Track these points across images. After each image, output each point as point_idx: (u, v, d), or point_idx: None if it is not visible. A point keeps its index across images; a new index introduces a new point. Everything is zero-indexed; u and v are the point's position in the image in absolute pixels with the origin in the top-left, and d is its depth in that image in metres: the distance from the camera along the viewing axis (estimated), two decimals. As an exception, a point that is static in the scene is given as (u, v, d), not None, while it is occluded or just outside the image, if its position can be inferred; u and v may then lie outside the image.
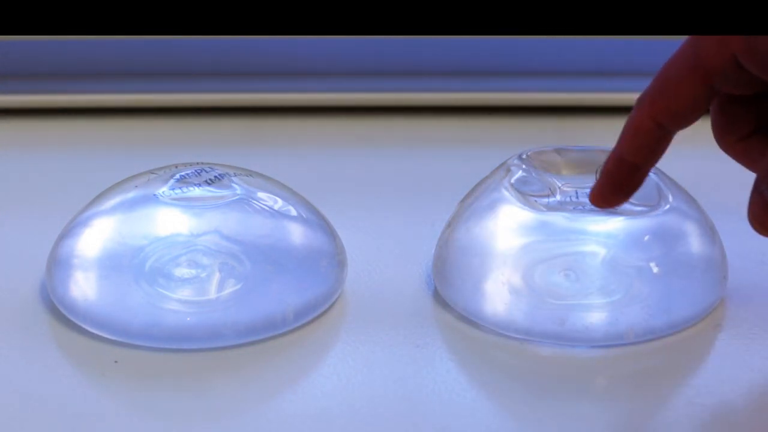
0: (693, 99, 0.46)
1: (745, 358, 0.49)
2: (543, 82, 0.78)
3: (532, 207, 0.51)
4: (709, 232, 0.53)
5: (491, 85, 0.77)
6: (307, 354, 0.50)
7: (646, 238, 0.51)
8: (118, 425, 0.45)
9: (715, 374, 0.49)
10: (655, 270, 0.50)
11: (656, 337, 0.50)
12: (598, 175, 0.49)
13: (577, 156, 0.55)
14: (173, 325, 0.49)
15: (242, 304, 0.50)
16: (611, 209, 0.51)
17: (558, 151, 0.55)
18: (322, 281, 0.52)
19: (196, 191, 0.52)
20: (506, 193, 0.52)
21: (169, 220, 0.51)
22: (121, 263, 0.50)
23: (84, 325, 0.50)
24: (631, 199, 0.52)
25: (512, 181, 0.53)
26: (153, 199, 0.52)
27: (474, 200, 0.53)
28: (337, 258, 0.53)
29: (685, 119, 0.47)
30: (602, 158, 0.54)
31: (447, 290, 0.52)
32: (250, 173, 0.54)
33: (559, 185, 0.54)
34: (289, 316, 0.50)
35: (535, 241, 0.51)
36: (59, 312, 0.51)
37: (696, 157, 0.71)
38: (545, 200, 0.52)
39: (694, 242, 0.52)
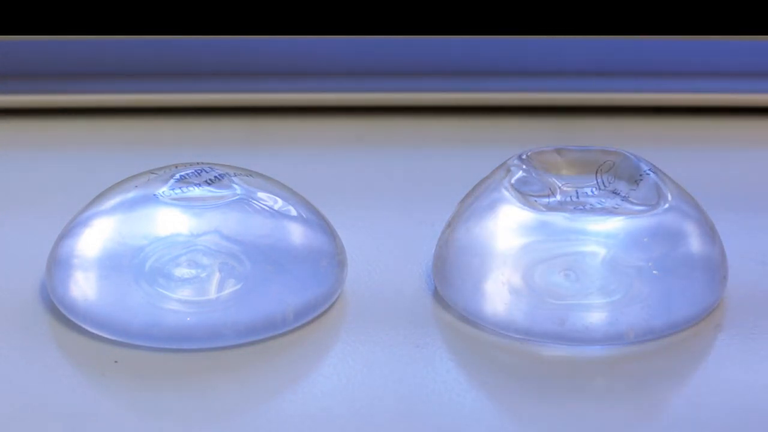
0: None
1: (745, 358, 0.49)
2: (543, 82, 0.78)
3: (532, 207, 0.51)
4: (709, 232, 0.53)
5: (491, 85, 0.77)
6: (307, 354, 0.50)
7: (646, 238, 0.51)
8: (118, 425, 0.45)
9: (715, 374, 0.49)
10: (655, 270, 0.50)
11: (656, 337, 0.50)
12: None
13: (577, 156, 0.55)
14: (173, 325, 0.49)
15: (242, 304, 0.50)
16: (609, 210, 0.51)
17: (558, 151, 0.55)
18: (322, 281, 0.52)
19: (196, 191, 0.52)
20: (506, 193, 0.52)
21: (169, 220, 0.51)
22: (121, 263, 0.50)
23: (84, 325, 0.50)
24: (631, 199, 0.53)
25: (512, 181, 0.53)
26: (153, 199, 0.52)
27: (474, 200, 0.53)
28: (337, 258, 0.53)
29: None
30: (602, 158, 0.55)
31: (447, 290, 0.52)
32: (250, 173, 0.54)
33: (559, 185, 0.54)
34: (289, 316, 0.50)
35: (535, 241, 0.51)
36: (59, 312, 0.51)
37: (696, 157, 0.71)
38: (545, 200, 0.52)
39: (694, 242, 0.52)
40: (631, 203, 0.52)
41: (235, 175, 0.54)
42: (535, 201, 0.52)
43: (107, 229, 0.52)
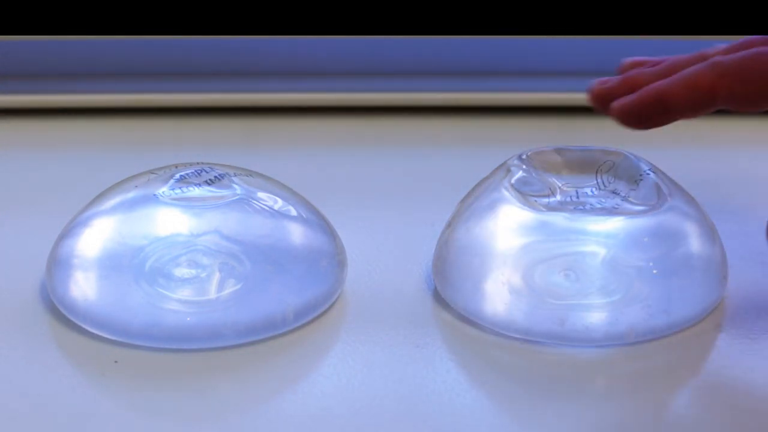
0: (762, 101, 0.46)
1: (745, 358, 0.49)
2: (543, 82, 0.78)
3: (532, 207, 0.51)
4: (709, 232, 0.53)
5: (491, 85, 0.77)
6: (307, 354, 0.50)
7: (646, 238, 0.51)
8: (118, 425, 0.45)
9: (715, 374, 0.49)
10: (655, 270, 0.50)
11: (656, 337, 0.50)
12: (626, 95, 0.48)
13: (577, 156, 0.55)
14: (173, 325, 0.49)
15: (242, 304, 0.50)
16: (609, 210, 0.51)
17: (558, 151, 0.55)
18: (322, 281, 0.52)
19: (196, 191, 0.52)
20: (506, 193, 0.52)
21: (169, 220, 0.51)
22: (121, 263, 0.50)
23: (84, 325, 0.50)
24: (631, 199, 0.53)
25: (512, 181, 0.53)
26: (153, 199, 0.52)
27: (474, 200, 0.53)
28: (337, 258, 0.53)
29: (751, 108, 0.47)
30: (602, 158, 0.54)
31: (447, 290, 0.52)
32: (250, 173, 0.54)
33: (559, 185, 0.54)
34: (289, 316, 0.50)
35: (535, 241, 0.51)
36: (59, 312, 0.51)
37: (696, 157, 0.71)
38: (545, 200, 0.52)
39: (694, 242, 0.52)
40: (631, 203, 0.52)
41: (235, 175, 0.54)
42: (535, 201, 0.52)
43: (107, 229, 0.52)
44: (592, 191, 0.53)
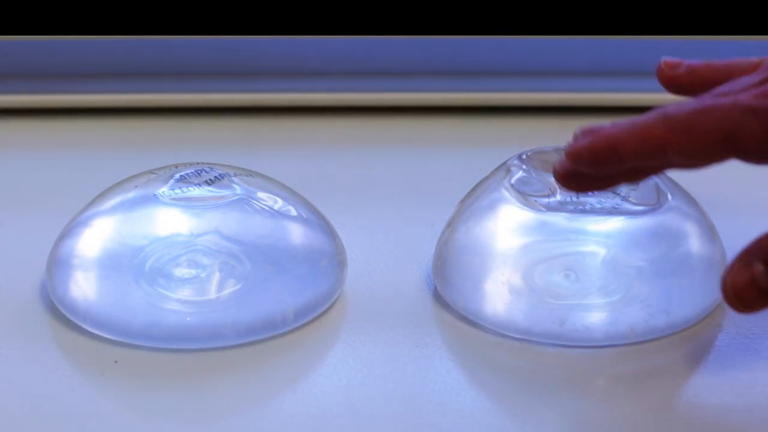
0: (712, 158, 0.44)
1: (745, 358, 0.49)
2: (543, 82, 0.78)
3: (532, 207, 0.51)
4: (709, 232, 0.53)
5: (491, 85, 0.77)
6: (307, 354, 0.50)
7: (646, 238, 0.51)
8: (118, 425, 0.45)
9: (715, 374, 0.49)
10: (655, 270, 0.50)
11: (656, 337, 0.50)
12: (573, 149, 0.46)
13: (577, 156, 0.55)
14: (173, 325, 0.49)
15: (242, 304, 0.50)
16: (609, 210, 0.51)
17: (558, 151, 0.55)
18: (322, 281, 0.52)
19: (196, 191, 0.52)
20: (506, 194, 0.52)
21: (169, 220, 0.51)
22: (121, 263, 0.50)
23: (84, 325, 0.50)
24: (631, 199, 0.52)
25: (512, 181, 0.53)
26: (153, 199, 0.52)
27: (474, 200, 0.53)
28: (337, 258, 0.53)
29: (693, 165, 0.45)
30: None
31: (447, 290, 0.52)
32: (250, 173, 0.54)
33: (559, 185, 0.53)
34: (289, 316, 0.50)
35: (535, 241, 0.51)
36: (59, 312, 0.51)
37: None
38: (545, 200, 0.52)
39: (694, 242, 0.52)
40: (631, 203, 0.52)
41: (235, 175, 0.54)
42: (535, 201, 0.52)
43: (107, 229, 0.52)
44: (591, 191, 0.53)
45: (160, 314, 0.49)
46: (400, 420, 0.45)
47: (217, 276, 0.50)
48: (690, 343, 0.50)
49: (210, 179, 0.53)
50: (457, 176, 0.61)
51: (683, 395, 0.48)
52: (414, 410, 0.46)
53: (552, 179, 0.54)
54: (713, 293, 0.52)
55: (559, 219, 0.51)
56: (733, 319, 0.51)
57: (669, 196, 0.52)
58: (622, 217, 0.51)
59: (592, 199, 0.53)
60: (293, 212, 0.53)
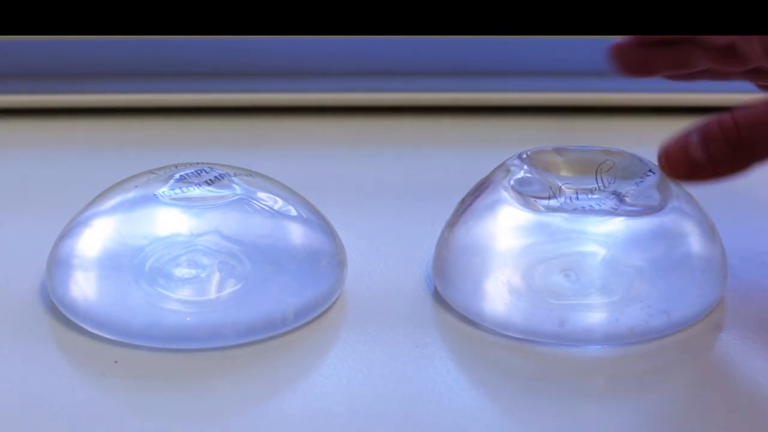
0: None
1: (745, 358, 0.49)
2: (543, 82, 0.78)
3: (532, 207, 0.51)
4: (709, 232, 0.53)
5: (491, 85, 0.77)
6: (307, 354, 0.50)
7: (646, 238, 0.51)
8: (118, 425, 0.45)
9: (715, 374, 0.49)
10: (655, 270, 0.50)
11: (656, 337, 0.50)
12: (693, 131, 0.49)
13: (577, 156, 0.55)
14: (173, 325, 0.49)
15: (242, 304, 0.50)
16: (609, 211, 0.51)
17: (558, 151, 0.55)
18: (322, 281, 0.52)
19: (196, 191, 0.52)
20: (506, 194, 0.52)
21: (169, 220, 0.51)
22: (121, 263, 0.50)
23: (84, 325, 0.50)
24: (632, 200, 0.52)
25: (512, 181, 0.53)
26: (153, 199, 0.52)
27: (474, 200, 0.53)
28: (337, 258, 0.53)
29: None
30: (602, 158, 0.54)
31: (447, 290, 0.52)
32: (250, 173, 0.54)
33: (560, 185, 0.54)
34: (289, 316, 0.50)
35: (535, 242, 0.51)
36: (59, 312, 0.51)
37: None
38: (545, 201, 0.52)
39: (694, 242, 0.52)
40: (631, 203, 0.52)
41: (235, 175, 0.54)
42: (535, 201, 0.52)
43: (107, 229, 0.52)
44: (592, 191, 0.53)
45: (160, 314, 0.49)
46: (400, 420, 0.45)
47: (217, 276, 0.50)
48: (690, 343, 0.50)
49: (210, 179, 0.53)
50: (457, 176, 0.61)
51: (683, 395, 0.48)
52: (414, 410, 0.46)
53: (552, 179, 0.54)
54: (713, 293, 0.52)
55: (558, 219, 0.51)
56: (733, 319, 0.52)
57: (669, 196, 0.52)
58: (622, 218, 0.51)
59: (592, 200, 0.53)
60: (293, 212, 0.53)
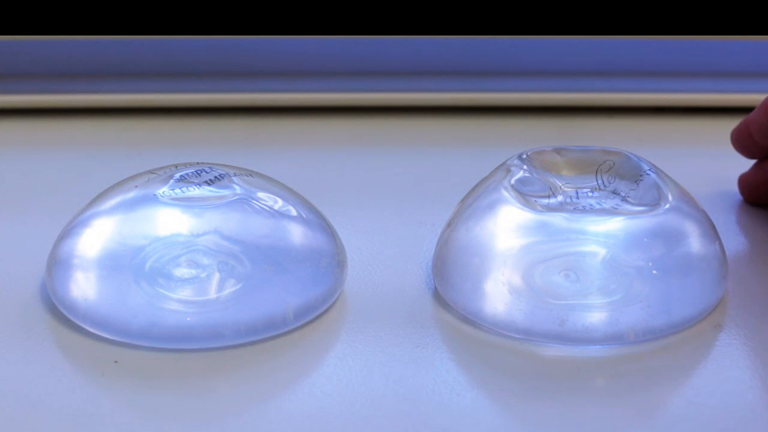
0: None
1: (745, 358, 0.49)
2: (543, 82, 0.78)
3: (532, 207, 0.51)
4: (709, 231, 0.53)
5: (491, 85, 0.78)
6: (307, 354, 0.50)
7: (646, 238, 0.51)
8: (118, 425, 0.45)
9: (715, 374, 0.49)
10: (655, 270, 0.50)
11: (656, 337, 0.50)
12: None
13: (577, 156, 0.55)
14: (173, 325, 0.49)
15: (242, 304, 0.50)
16: (609, 211, 0.51)
17: (558, 151, 0.55)
18: (322, 281, 0.52)
19: (196, 191, 0.52)
20: (506, 194, 0.52)
21: (169, 220, 0.51)
22: (121, 263, 0.50)
23: (84, 325, 0.50)
24: (631, 199, 0.53)
25: (512, 181, 0.53)
26: (153, 199, 0.52)
27: (474, 200, 0.53)
28: (337, 258, 0.53)
29: None
30: (602, 158, 0.54)
31: (447, 290, 0.52)
32: (250, 173, 0.54)
33: (560, 185, 0.54)
34: (289, 316, 0.50)
35: (535, 242, 0.51)
36: (59, 312, 0.51)
37: (696, 157, 0.71)
38: (545, 200, 0.52)
39: (694, 242, 0.52)
40: (631, 203, 0.52)
41: (235, 175, 0.54)
42: (535, 201, 0.52)
43: (107, 229, 0.52)
44: (592, 191, 0.53)
45: (160, 314, 0.49)
46: (400, 420, 0.45)
47: (217, 276, 0.50)
48: (690, 343, 0.50)
49: (210, 179, 0.53)
50: (457, 176, 0.61)
51: (683, 395, 0.48)
52: (414, 410, 0.46)
53: (552, 179, 0.54)
54: (713, 293, 0.52)
55: (558, 219, 0.51)
56: (733, 319, 0.52)
57: (669, 196, 0.52)
58: (622, 217, 0.51)
59: (593, 200, 0.53)
60: (293, 212, 0.53)
